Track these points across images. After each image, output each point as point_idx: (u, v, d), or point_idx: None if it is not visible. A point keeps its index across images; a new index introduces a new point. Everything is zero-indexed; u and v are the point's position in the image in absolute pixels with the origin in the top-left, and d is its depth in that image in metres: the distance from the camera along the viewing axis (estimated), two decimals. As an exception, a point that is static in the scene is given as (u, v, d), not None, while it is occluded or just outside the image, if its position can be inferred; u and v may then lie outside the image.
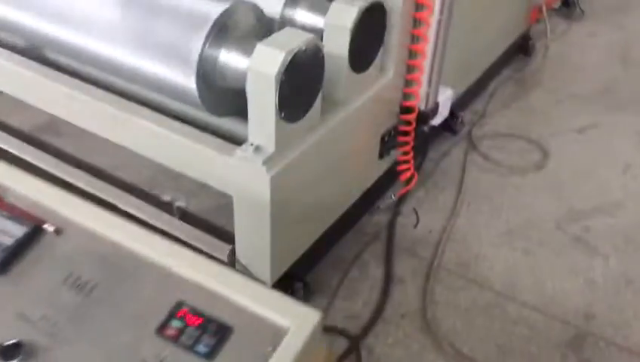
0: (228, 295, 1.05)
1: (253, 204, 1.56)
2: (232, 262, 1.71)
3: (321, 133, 1.64)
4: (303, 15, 1.70)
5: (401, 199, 2.18)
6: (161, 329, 0.99)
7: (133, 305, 1.02)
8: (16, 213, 1.12)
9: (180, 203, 2.01)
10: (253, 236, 1.63)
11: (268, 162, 1.49)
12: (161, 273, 1.07)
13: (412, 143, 2.02)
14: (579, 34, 3.34)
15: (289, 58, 1.41)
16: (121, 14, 1.58)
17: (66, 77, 1.81)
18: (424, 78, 1.93)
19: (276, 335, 0.99)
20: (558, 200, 2.24)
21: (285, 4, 1.68)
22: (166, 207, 1.95)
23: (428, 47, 1.87)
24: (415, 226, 2.11)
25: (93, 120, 1.78)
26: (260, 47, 1.43)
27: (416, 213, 2.15)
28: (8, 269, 1.05)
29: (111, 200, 1.89)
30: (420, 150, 2.25)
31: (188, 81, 1.51)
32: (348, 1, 1.64)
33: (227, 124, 1.67)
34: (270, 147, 1.50)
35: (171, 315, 1.01)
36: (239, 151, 1.52)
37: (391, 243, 2.03)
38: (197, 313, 1.01)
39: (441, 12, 1.81)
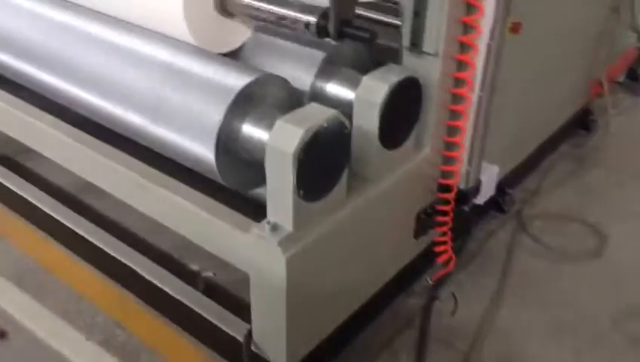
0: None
1: (269, 284, 1.47)
2: (247, 342, 1.61)
3: (347, 212, 1.55)
4: (333, 88, 1.65)
5: (440, 282, 2.04)
6: None
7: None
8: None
9: (207, 273, 1.95)
10: (269, 317, 1.53)
11: (284, 242, 1.41)
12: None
13: (450, 224, 1.89)
14: (646, 110, 3.15)
15: (309, 136, 1.34)
16: (147, 80, 1.57)
17: (89, 138, 1.82)
18: (464, 155, 1.82)
19: None
20: (615, 294, 2.04)
21: (316, 77, 1.63)
22: (192, 276, 1.90)
23: (468, 124, 1.77)
24: (453, 314, 1.95)
25: (117, 186, 1.77)
26: (280, 123, 1.37)
27: (455, 299, 1.99)
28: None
29: (133, 266, 1.85)
30: (462, 230, 2.11)
31: (207, 153, 1.47)
32: (380, 76, 1.57)
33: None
34: (288, 226, 1.42)
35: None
36: (256, 228, 1.45)
37: (425, 331, 1.88)
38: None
39: (482, 88, 1.71)
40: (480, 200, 2.01)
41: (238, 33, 1.69)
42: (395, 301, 1.96)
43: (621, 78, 3.32)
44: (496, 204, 2.34)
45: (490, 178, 2.02)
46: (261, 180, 1.46)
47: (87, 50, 1.75)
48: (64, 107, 1.90)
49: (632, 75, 3.35)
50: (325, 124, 1.38)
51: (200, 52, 1.60)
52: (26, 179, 2.18)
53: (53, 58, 1.81)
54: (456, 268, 2.03)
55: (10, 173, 2.21)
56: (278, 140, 1.36)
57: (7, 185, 2.15)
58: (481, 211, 2.30)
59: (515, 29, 1.86)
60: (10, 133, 2.12)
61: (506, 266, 2.13)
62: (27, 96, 2.02)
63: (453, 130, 1.79)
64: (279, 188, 1.40)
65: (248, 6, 1.56)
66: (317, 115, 1.39)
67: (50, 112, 1.95)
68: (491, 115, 1.81)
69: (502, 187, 2.34)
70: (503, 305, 1.98)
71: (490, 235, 2.28)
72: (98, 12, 1.81)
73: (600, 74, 2.79)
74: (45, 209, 2.05)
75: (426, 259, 2.00)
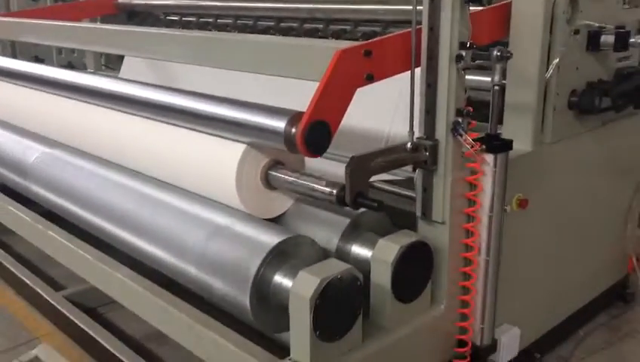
0: None
1: (289, 417, 1.68)
2: None
3: (363, 355, 1.78)
4: (355, 248, 1.96)
5: None
6: None
7: None
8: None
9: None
10: None
11: (304, 378, 1.65)
12: None
13: (468, 379, 2.05)
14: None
15: (324, 284, 1.63)
16: (193, 234, 1.96)
17: (157, 288, 2.17)
18: (476, 313, 2.03)
19: None
20: None
21: (341, 238, 1.96)
22: None
23: (478, 285, 2.00)
24: None
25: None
26: (302, 274, 1.68)
27: None
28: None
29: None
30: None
31: (243, 298, 1.78)
32: (394, 239, 1.87)
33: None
34: (306, 362, 1.67)
35: None
36: (279, 365, 1.70)
37: None
38: None
39: (487, 253, 1.97)
40: (502, 359, 2.17)
41: (281, 202, 2.07)
42: None
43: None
44: (525, 367, 2.46)
45: (511, 339, 2.19)
46: (287, 324, 1.74)
47: (154, 212, 2.19)
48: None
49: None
50: (340, 276, 1.67)
51: (246, 215, 1.98)
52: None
53: (129, 219, 2.25)
54: None
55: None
56: (299, 287, 1.66)
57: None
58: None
59: (522, 204, 2.14)
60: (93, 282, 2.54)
61: None
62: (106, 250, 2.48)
63: (466, 290, 2.03)
64: (299, 328, 1.67)
65: (286, 181, 1.96)
66: (334, 268, 1.69)
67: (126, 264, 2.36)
68: (508, 277, 2.05)
69: (530, 351, 2.47)
70: None
71: (518, 399, 2.37)
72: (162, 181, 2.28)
73: (630, 250, 2.96)
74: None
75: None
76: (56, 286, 3.03)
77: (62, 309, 2.74)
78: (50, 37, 3.33)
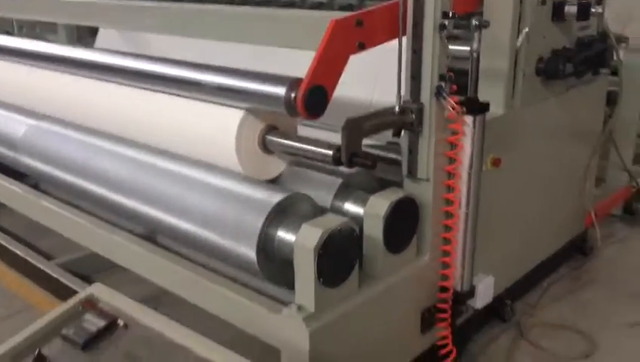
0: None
1: (295, 357, 1.85)
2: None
3: (359, 300, 1.96)
4: (348, 206, 2.12)
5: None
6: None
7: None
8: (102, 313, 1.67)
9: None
10: (297, 387, 1.89)
11: (308, 319, 1.81)
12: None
13: (449, 320, 2.25)
14: (640, 240, 3.52)
15: (326, 235, 1.80)
16: (197, 196, 2.09)
17: (158, 249, 2.31)
18: (457, 262, 2.23)
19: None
20: (600, 388, 2.32)
21: (334, 197, 2.12)
22: None
23: (458, 236, 2.20)
24: (455, 400, 2.25)
25: (178, 284, 2.22)
26: (305, 226, 1.84)
27: (458, 389, 2.30)
28: (90, 348, 1.62)
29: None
30: (465, 332, 2.46)
31: (250, 253, 1.93)
32: (384, 195, 2.05)
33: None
34: (310, 307, 1.83)
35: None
36: (285, 310, 1.86)
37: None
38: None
39: (467, 207, 2.16)
40: (478, 304, 2.38)
41: (276, 165, 2.22)
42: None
43: (618, 212, 3.74)
44: (497, 313, 2.69)
45: (486, 286, 2.39)
46: (291, 274, 1.90)
47: (156, 177, 2.31)
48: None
49: (628, 209, 3.76)
50: (339, 228, 1.83)
51: (246, 177, 2.12)
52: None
53: (133, 186, 2.36)
54: (461, 364, 2.37)
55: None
56: (303, 239, 1.82)
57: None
58: (484, 319, 2.66)
59: (496, 163, 2.34)
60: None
61: (504, 365, 2.45)
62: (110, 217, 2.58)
63: (448, 241, 2.22)
64: (304, 276, 1.83)
65: (282, 145, 2.10)
66: (333, 221, 1.86)
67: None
68: (483, 231, 2.24)
69: (502, 298, 2.71)
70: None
71: (491, 340, 2.60)
72: (164, 150, 2.39)
73: (589, 206, 3.22)
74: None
75: (435, 354, 2.33)
76: (46, 256, 3.11)
77: (56, 276, 2.83)
78: (26, 10, 3.37)
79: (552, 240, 3.08)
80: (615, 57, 3.07)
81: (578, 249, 3.30)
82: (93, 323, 1.67)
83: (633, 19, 3.39)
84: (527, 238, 2.81)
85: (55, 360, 1.57)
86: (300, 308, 1.84)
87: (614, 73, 3.16)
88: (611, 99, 3.26)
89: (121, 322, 1.69)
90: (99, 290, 1.81)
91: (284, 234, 1.94)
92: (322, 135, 2.19)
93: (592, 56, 2.74)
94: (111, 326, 1.67)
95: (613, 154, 3.64)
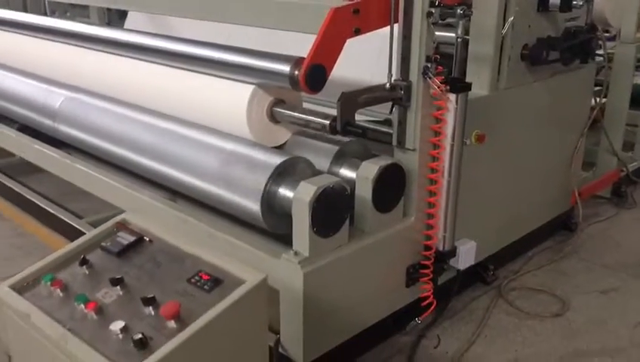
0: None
1: (292, 296, 2.15)
2: (276, 347, 2.25)
3: (348, 250, 2.26)
4: (343, 170, 2.42)
5: (428, 327, 2.65)
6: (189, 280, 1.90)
7: (179, 269, 1.95)
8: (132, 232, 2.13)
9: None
10: (292, 322, 2.19)
11: (303, 262, 2.12)
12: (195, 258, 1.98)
13: (431, 276, 2.54)
14: (625, 219, 3.76)
15: (320, 191, 2.09)
16: (212, 159, 2.42)
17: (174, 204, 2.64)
18: (440, 224, 2.51)
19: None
20: (567, 342, 2.59)
21: (331, 163, 2.42)
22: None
23: (441, 201, 2.48)
24: (435, 347, 2.55)
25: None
26: (302, 184, 2.14)
27: (439, 338, 2.60)
28: (122, 255, 2.03)
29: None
30: (449, 290, 2.74)
31: (255, 207, 2.24)
32: (374, 161, 2.34)
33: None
34: (305, 252, 2.14)
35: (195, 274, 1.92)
36: (284, 254, 2.17)
37: (412, 358, 2.48)
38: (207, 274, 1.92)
39: (449, 175, 2.43)
40: (461, 266, 2.66)
41: (282, 134, 2.52)
42: (392, 337, 2.58)
43: (606, 194, 3.98)
44: (480, 277, 2.98)
45: (468, 249, 2.68)
46: (290, 224, 2.20)
47: (178, 144, 2.62)
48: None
49: (616, 191, 4.00)
50: (332, 185, 2.13)
51: (255, 143, 2.43)
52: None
53: (158, 150, 2.69)
54: (442, 318, 2.66)
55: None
56: (301, 193, 2.12)
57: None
58: (469, 281, 2.94)
59: (480, 139, 2.60)
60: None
61: (482, 319, 2.73)
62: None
63: (431, 205, 2.50)
64: (300, 226, 2.14)
65: (287, 115, 2.41)
66: (327, 180, 2.15)
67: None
68: (467, 200, 2.52)
69: (485, 264, 2.99)
70: (475, 343, 2.56)
71: (473, 299, 2.89)
72: (183, 119, 2.71)
73: (575, 186, 3.47)
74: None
75: (419, 306, 2.62)
76: (77, 216, 3.45)
77: (85, 231, 3.15)
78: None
79: (538, 214, 3.34)
80: (602, 49, 3.31)
81: (564, 225, 3.56)
82: (125, 238, 2.09)
83: (626, 12, 3.60)
84: (513, 211, 3.08)
85: (96, 263, 1.98)
86: (296, 253, 2.15)
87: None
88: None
89: (147, 238, 2.10)
90: (129, 216, 2.22)
91: (285, 191, 2.24)
92: (327, 111, 2.48)
93: (576, 45, 2.99)
94: (139, 241, 2.08)
95: (604, 141, 3.90)
